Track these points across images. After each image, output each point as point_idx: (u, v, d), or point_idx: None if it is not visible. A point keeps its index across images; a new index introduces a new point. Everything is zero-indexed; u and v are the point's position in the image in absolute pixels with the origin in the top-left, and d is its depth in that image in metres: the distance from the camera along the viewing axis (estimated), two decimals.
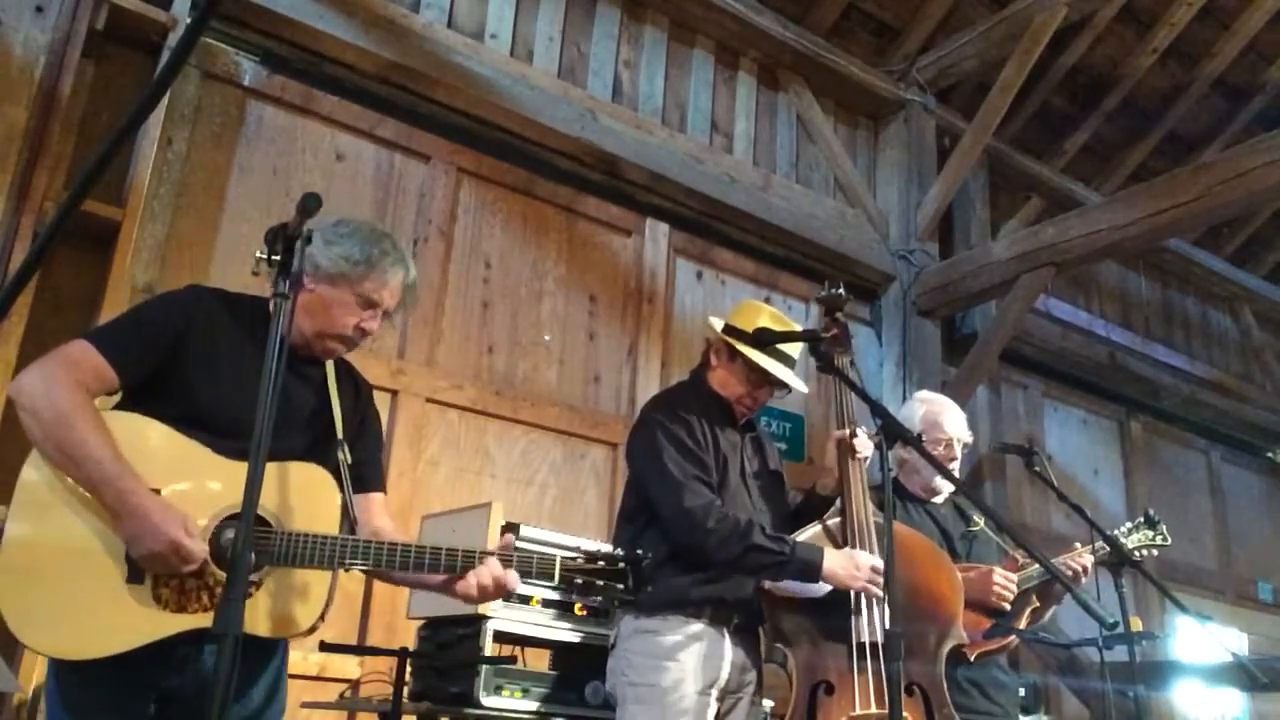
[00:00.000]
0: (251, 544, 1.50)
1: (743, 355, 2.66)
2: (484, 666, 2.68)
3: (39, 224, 3.21)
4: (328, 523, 1.91)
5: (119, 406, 1.95)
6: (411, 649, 2.89)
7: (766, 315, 2.74)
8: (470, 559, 1.92)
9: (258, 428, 1.55)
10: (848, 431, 2.74)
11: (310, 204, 1.68)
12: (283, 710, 2.03)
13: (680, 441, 2.57)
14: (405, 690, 2.70)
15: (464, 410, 4.15)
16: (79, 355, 1.87)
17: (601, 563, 1.99)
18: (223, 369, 1.95)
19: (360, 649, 3.32)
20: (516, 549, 1.98)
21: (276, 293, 1.67)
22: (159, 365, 1.92)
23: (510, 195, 4.56)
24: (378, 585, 3.71)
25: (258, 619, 1.79)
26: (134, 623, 1.75)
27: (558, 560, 1.96)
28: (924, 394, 3.42)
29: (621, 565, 1.99)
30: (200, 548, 1.77)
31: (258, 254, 1.78)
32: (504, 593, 1.96)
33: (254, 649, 1.91)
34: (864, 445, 2.73)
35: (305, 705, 3.07)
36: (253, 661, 1.94)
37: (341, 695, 3.18)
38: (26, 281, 1.17)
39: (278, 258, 1.69)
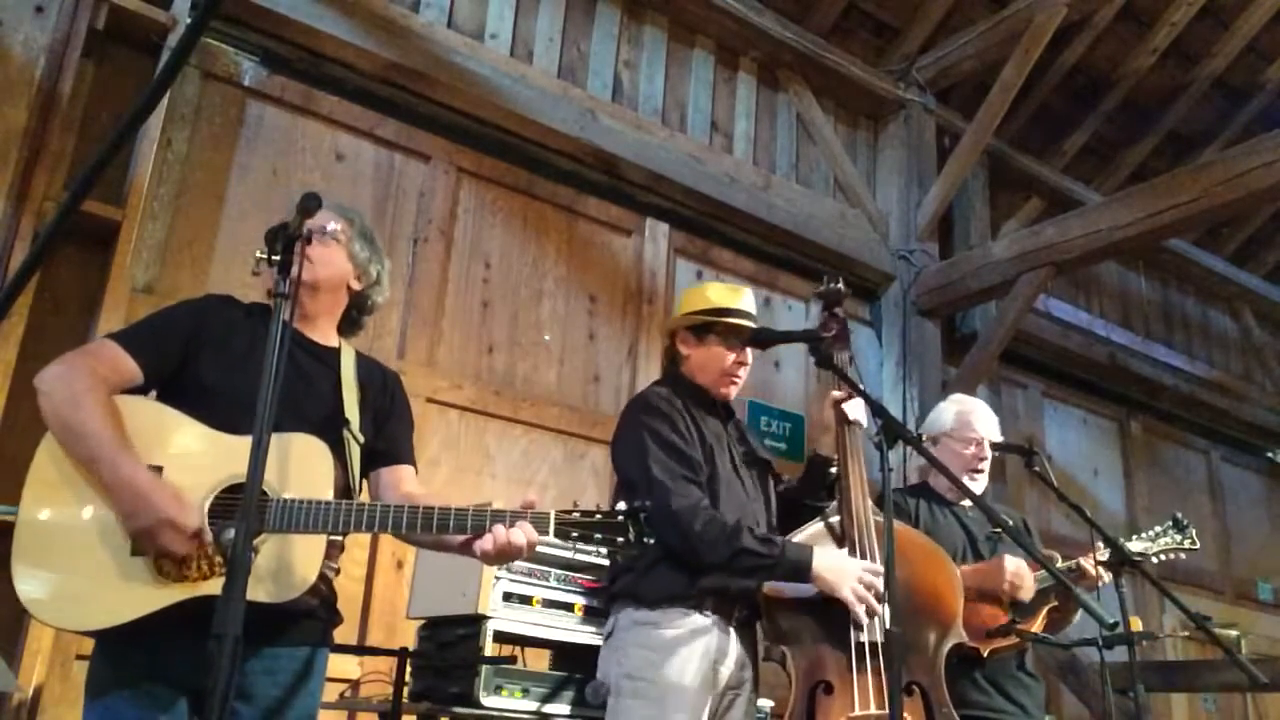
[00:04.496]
0: (252, 544, 1.50)
1: (711, 327, 2.69)
2: (484, 666, 2.68)
3: (39, 224, 3.21)
4: (322, 491, 1.94)
5: None
6: (411, 649, 2.89)
7: (714, 289, 2.79)
8: (464, 517, 1.92)
9: (258, 426, 1.54)
10: (843, 393, 2.72)
11: (310, 204, 1.69)
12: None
13: (665, 440, 2.54)
14: (405, 690, 2.70)
15: (464, 410, 4.15)
16: (98, 348, 1.97)
17: (598, 516, 1.98)
18: (234, 359, 2.02)
19: (360, 649, 3.31)
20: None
21: (276, 293, 1.68)
22: (179, 361, 2.00)
23: (510, 195, 4.56)
24: (378, 586, 3.71)
25: (255, 586, 1.78)
26: (138, 593, 1.80)
27: (551, 516, 1.96)
28: (957, 396, 3.46)
29: (620, 518, 1.98)
30: (194, 520, 1.80)
31: (258, 254, 1.79)
32: (521, 550, 1.92)
33: (300, 662, 1.97)
34: (856, 409, 2.71)
35: None
36: (299, 675, 1.98)
37: (341, 695, 3.18)
38: (26, 281, 1.17)
39: (277, 258, 1.70)
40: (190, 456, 1.89)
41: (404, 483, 2.19)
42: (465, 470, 4.09)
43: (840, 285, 2.84)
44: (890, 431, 2.30)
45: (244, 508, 1.51)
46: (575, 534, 1.97)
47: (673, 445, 2.54)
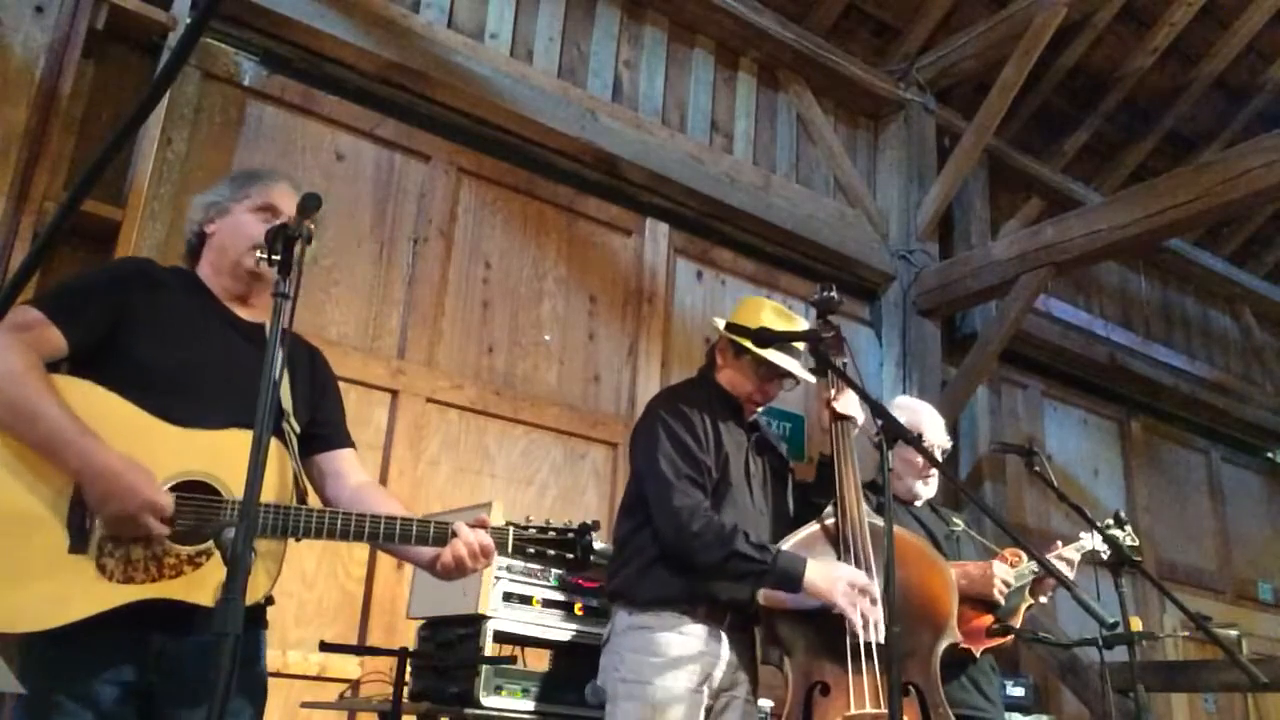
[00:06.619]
0: (252, 543, 1.49)
1: (749, 352, 2.66)
2: (484, 666, 2.68)
3: (39, 224, 3.21)
4: (279, 493, 1.87)
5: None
6: (411, 649, 2.89)
7: (769, 310, 2.75)
8: (426, 528, 1.90)
9: (258, 429, 1.53)
10: (832, 391, 2.75)
11: (310, 204, 1.68)
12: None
13: (678, 438, 2.56)
14: (405, 690, 2.70)
15: (464, 410, 4.15)
16: (28, 320, 1.81)
17: (552, 533, 2.02)
18: (167, 334, 1.92)
19: (360, 649, 3.32)
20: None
21: (277, 292, 1.64)
22: (106, 332, 1.87)
23: (510, 195, 4.56)
24: (378, 586, 3.71)
25: (205, 592, 1.73)
26: (77, 594, 1.67)
27: (510, 532, 1.98)
28: (903, 400, 3.45)
29: (570, 536, 2.03)
30: (167, 501, 1.71)
31: (258, 253, 1.78)
32: (484, 561, 1.94)
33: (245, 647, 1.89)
34: (846, 404, 2.75)
35: (305, 705, 3.07)
36: (244, 659, 1.90)
37: (341, 695, 3.18)
38: (27, 281, 1.16)
39: (277, 257, 1.68)
40: (134, 449, 1.74)
41: (350, 472, 2.11)
42: (465, 470, 4.09)
43: (834, 294, 2.86)
44: (890, 431, 2.31)
45: (244, 507, 1.50)
46: (531, 550, 2.00)
47: (684, 444, 2.55)
